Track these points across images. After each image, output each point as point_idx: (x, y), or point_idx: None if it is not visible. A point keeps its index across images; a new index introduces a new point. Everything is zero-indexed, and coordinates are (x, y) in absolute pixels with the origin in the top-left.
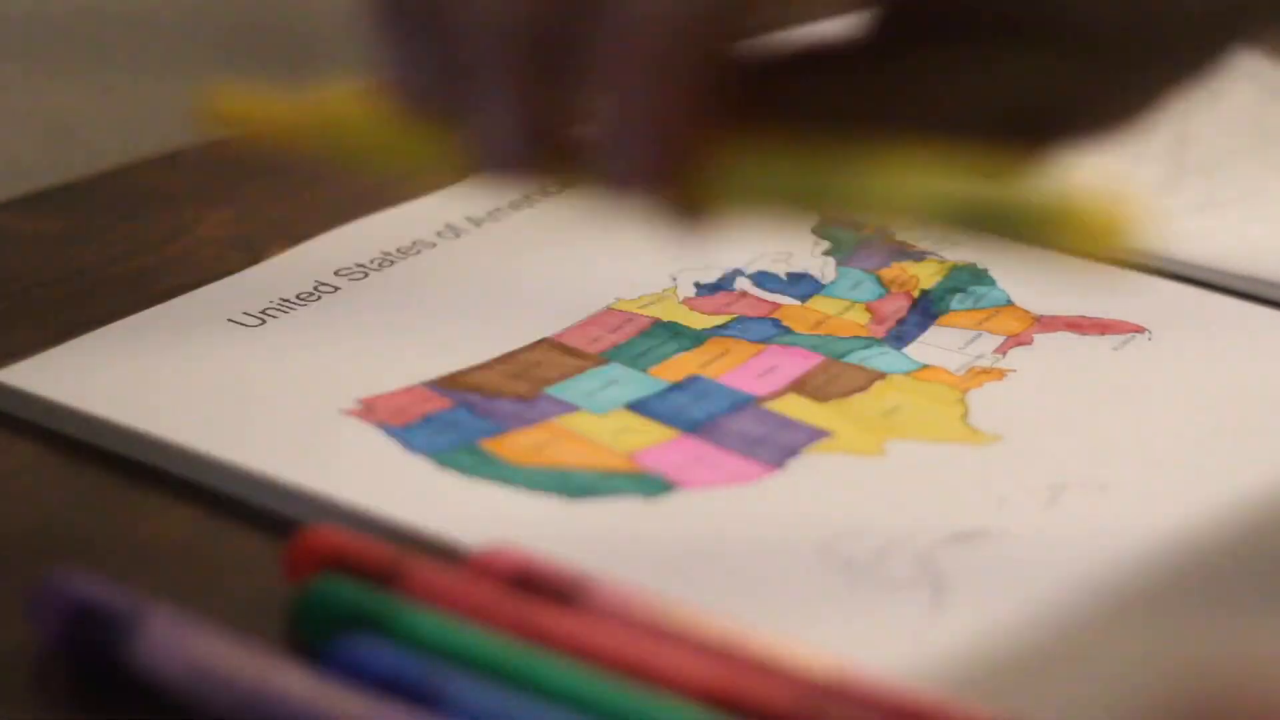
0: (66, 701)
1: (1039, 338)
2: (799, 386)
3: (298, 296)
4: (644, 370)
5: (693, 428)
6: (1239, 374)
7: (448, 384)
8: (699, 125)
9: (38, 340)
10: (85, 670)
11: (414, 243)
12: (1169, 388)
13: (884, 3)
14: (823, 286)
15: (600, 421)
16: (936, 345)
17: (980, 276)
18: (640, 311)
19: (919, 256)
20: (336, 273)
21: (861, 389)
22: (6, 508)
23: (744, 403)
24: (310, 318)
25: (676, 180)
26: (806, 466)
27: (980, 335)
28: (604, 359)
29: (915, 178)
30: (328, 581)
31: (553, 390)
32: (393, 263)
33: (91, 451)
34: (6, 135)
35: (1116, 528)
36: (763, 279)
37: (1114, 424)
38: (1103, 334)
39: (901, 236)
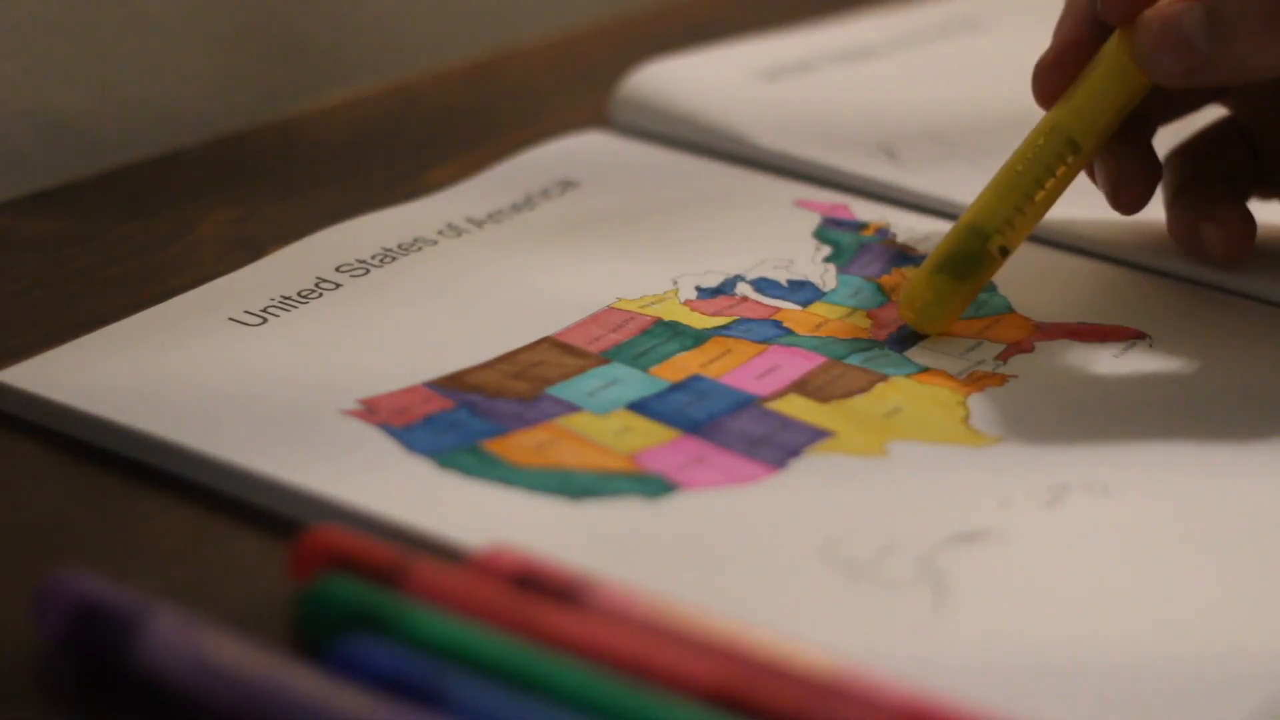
0: (70, 701)
1: (1040, 345)
2: (800, 387)
3: (299, 293)
4: (645, 370)
5: (694, 428)
6: (1239, 374)
7: (449, 384)
8: None
9: (38, 340)
10: (89, 670)
11: (415, 239)
12: (1170, 388)
13: None
14: (823, 294)
15: (601, 422)
16: (938, 351)
17: None
18: (641, 311)
19: (919, 263)
20: (338, 269)
21: (863, 390)
22: (6, 508)
23: (745, 403)
24: (312, 316)
25: None
26: (808, 467)
27: (981, 343)
28: (605, 358)
29: None
30: (331, 581)
31: (554, 390)
32: (395, 259)
33: (91, 451)
34: (6, 135)
35: (1119, 529)
36: (763, 285)
37: (1116, 425)
38: (1103, 341)
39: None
